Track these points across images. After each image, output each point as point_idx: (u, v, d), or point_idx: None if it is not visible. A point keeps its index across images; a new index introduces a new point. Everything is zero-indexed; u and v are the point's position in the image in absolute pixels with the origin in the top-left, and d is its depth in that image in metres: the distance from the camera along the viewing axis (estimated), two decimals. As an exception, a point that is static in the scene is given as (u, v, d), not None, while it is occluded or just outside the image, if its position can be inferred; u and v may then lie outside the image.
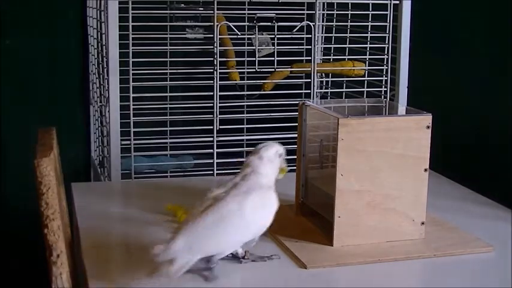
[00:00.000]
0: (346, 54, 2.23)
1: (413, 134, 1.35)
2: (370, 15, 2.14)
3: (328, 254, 1.31)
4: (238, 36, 2.07)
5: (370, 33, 2.15)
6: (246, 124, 2.26)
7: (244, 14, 2.25)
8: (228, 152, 2.08)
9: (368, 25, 2.14)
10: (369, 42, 2.15)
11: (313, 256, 1.29)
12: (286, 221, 1.41)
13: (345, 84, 2.27)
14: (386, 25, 2.02)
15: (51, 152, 1.20)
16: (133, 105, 1.89)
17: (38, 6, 2.44)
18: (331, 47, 2.39)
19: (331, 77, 2.40)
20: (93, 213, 1.54)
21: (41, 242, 1.16)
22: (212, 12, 1.91)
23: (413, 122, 1.36)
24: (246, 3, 2.25)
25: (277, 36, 2.03)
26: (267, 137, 2.08)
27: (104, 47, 1.98)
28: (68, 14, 2.48)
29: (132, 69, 1.87)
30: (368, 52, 2.15)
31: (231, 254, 1.24)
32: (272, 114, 2.10)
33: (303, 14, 2.41)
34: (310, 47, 2.09)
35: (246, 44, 2.37)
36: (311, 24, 1.99)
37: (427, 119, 1.36)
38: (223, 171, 1.99)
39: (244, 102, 2.19)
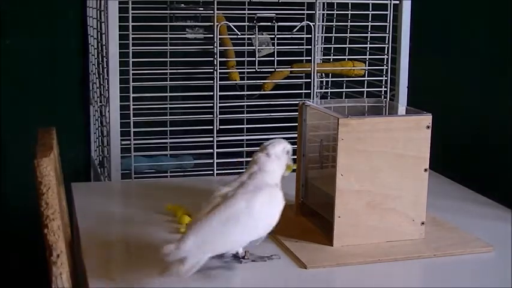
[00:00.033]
0: (346, 54, 2.23)
1: (413, 134, 1.35)
2: (370, 15, 2.14)
3: (328, 254, 1.31)
4: (238, 36, 2.07)
5: (370, 33, 2.15)
6: (246, 124, 2.26)
7: (244, 14, 2.25)
8: (228, 152, 2.08)
9: (368, 25, 2.14)
10: (368, 42, 2.15)
11: (313, 256, 1.29)
12: (286, 221, 1.41)
13: (345, 84, 2.27)
14: (386, 25, 2.02)
15: (51, 152, 1.20)
16: (133, 105, 1.88)
17: (38, 6, 2.44)
18: (331, 47, 2.39)
19: (331, 77, 2.40)
20: (93, 213, 1.54)
21: (41, 242, 1.16)
22: (212, 12, 1.91)
23: (413, 122, 1.36)
24: (246, 3, 2.25)
25: (277, 36, 2.03)
26: (267, 137, 2.07)
27: (104, 47, 1.98)
28: (68, 14, 2.48)
29: (132, 69, 1.87)
30: (368, 52, 2.15)
31: (231, 254, 1.24)
32: (272, 114, 2.10)
33: (303, 14, 2.41)
34: (310, 47, 2.09)
35: (246, 44, 2.37)
36: (311, 24, 1.99)
37: (427, 119, 1.36)
38: (223, 171, 1.99)
39: (244, 102, 2.19)
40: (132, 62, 1.86)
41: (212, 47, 1.93)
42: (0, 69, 2.40)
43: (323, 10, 2.38)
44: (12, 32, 2.42)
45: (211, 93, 1.93)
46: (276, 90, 2.17)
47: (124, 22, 1.86)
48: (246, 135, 2.22)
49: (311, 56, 2.02)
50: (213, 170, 1.95)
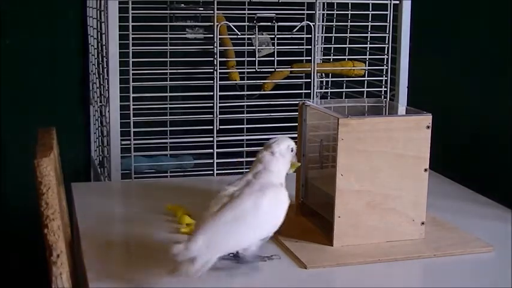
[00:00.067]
0: (346, 54, 2.23)
1: (413, 134, 1.35)
2: (370, 15, 2.14)
3: (328, 254, 1.31)
4: (238, 36, 2.07)
5: (370, 33, 2.15)
6: (246, 124, 2.26)
7: (244, 14, 2.25)
8: (228, 152, 2.08)
9: (368, 25, 2.14)
10: (368, 42, 2.15)
11: (313, 256, 1.29)
12: (286, 221, 1.41)
13: (345, 84, 2.27)
14: (386, 25, 2.02)
15: (51, 152, 1.20)
16: (133, 105, 1.88)
17: (38, 6, 2.44)
18: (331, 47, 2.39)
19: (331, 77, 2.40)
20: (93, 213, 1.54)
21: (41, 242, 1.16)
22: (212, 12, 1.91)
23: (413, 122, 1.36)
24: (246, 3, 2.25)
25: (277, 36, 2.03)
26: (267, 137, 2.06)
27: (104, 47, 1.98)
28: (68, 14, 2.48)
29: (132, 69, 1.87)
30: (368, 52, 2.15)
31: (231, 254, 1.24)
32: (272, 114, 2.10)
33: (303, 14, 2.41)
34: (310, 47, 2.09)
35: (246, 44, 2.37)
36: (311, 24, 1.99)
37: (427, 119, 1.36)
38: (223, 171, 2.00)
39: (244, 102, 2.19)
40: (132, 62, 1.86)
41: (212, 47, 1.93)
42: (0, 69, 2.40)
43: (323, 10, 2.38)
44: (12, 32, 2.42)
45: (211, 93, 1.93)
46: (276, 90, 2.17)
47: (124, 22, 1.86)
48: (246, 135, 2.22)
49: (311, 56, 2.02)
50: (213, 170, 1.95)
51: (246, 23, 2.18)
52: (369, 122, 1.33)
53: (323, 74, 2.42)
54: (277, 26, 2.02)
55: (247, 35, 2.23)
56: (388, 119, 1.36)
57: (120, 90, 1.87)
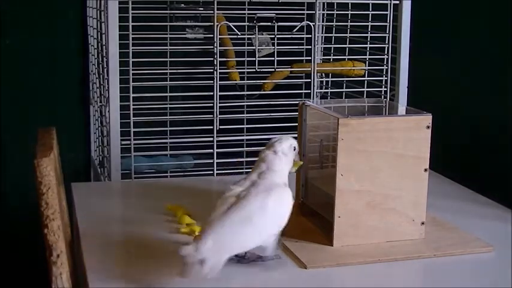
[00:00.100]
0: (346, 54, 2.23)
1: (413, 134, 1.35)
2: (370, 15, 2.14)
3: (328, 254, 1.31)
4: (238, 36, 2.07)
5: (370, 33, 2.15)
6: (246, 124, 2.26)
7: (244, 14, 2.25)
8: (228, 152, 2.08)
9: (368, 25, 2.14)
10: (368, 42, 2.15)
11: (313, 256, 1.29)
12: (286, 221, 1.41)
13: (345, 84, 2.27)
14: (386, 25, 2.02)
15: (51, 152, 1.20)
16: (133, 105, 1.88)
17: (38, 6, 2.44)
18: (331, 47, 2.39)
19: (331, 77, 2.40)
20: (93, 213, 1.54)
21: (41, 242, 1.16)
22: (212, 12, 1.91)
23: (413, 122, 1.36)
24: (246, 3, 2.25)
25: (277, 36, 2.03)
26: (267, 137, 2.07)
27: (104, 47, 1.98)
28: (68, 14, 2.48)
29: (132, 69, 1.87)
30: (368, 52, 2.15)
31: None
32: (272, 114, 2.10)
33: (303, 14, 2.41)
34: (310, 47, 2.09)
35: (246, 44, 2.37)
36: (311, 24, 1.99)
37: (427, 119, 1.36)
38: (223, 171, 2.00)
39: (244, 102, 2.19)
40: (132, 62, 1.86)
41: (212, 47, 1.93)
42: (0, 69, 2.40)
43: (323, 10, 2.38)
44: (12, 32, 2.42)
45: (211, 93, 1.93)
46: (276, 90, 2.17)
47: (124, 22, 1.86)
48: (246, 135, 2.22)
49: (311, 56, 2.02)
50: (213, 170, 1.95)
51: (246, 23, 2.18)
52: (369, 122, 1.33)
53: (323, 74, 2.42)
54: (277, 26, 2.02)
55: (247, 35, 2.23)
56: (388, 119, 1.36)
57: (120, 90, 1.87)
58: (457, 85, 2.11)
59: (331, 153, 1.37)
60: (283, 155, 1.28)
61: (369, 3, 2.14)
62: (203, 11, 2.27)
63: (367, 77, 2.15)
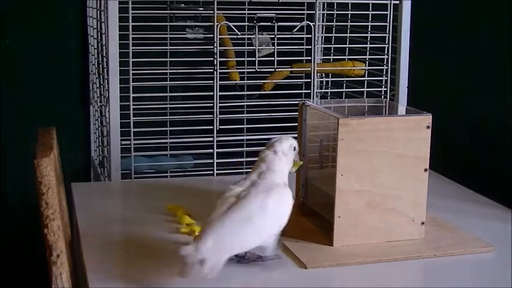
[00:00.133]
0: (346, 54, 2.23)
1: (413, 134, 1.35)
2: (370, 15, 2.14)
3: (328, 254, 1.31)
4: (238, 36, 2.07)
5: (370, 33, 2.15)
6: (246, 124, 2.27)
7: (244, 14, 2.25)
8: (228, 152, 2.08)
9: (368, 25, 2.14)
10: (368, 42, 2.15)
11: (313, 256, 1.29)
12: (286, 221, 1.41)
13: (345, 84, 2.27)
14: (386, 25, 2.02)
15: (51, 152, 1.20)
16: (133, 105, 1.88)
17: (38, 6, 2.44)
18: (331, 47, 2.39)
19: (331, 77, 2.40)
20: (93, 213, 1.54)
21: (41, 242, 1.16)
22: (212, 12, 1.91)
23: (413, 122, 1.36)
24: (246, 3, 2.25)
25: (277, 36, 2.03)
26: (267, 137, 2.07)
27: (104, 47, 1.98)
28: (68, 14, 2.48)
29: (132, 69, 1.87)
30: (368, 52, 2.15)
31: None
32: (272, 114, 2.10)
33: (303, 14, 2.41)
34: (310, 47, 2.09)
35: (246, 44, 2.37)
36: (311, 24, 1.99)
37: (427, 119, 1.36)
38: (223, 171, 2.00)
39: (244, 102, 2.19)
40: (132, 62, 1.86)
41: (212, 47, 1.93)
42: (0, 69, 2.40)
43: (323, 10, 2.38)
44: (12, 32, 2.42)
45: (211, 93, 1.93)
46: (276, 90, 2.17)
47: (124, 22, 1.86)
48: (246, 135, 2.23)
49: (311, 56, 2.02)
50: (213, 170, 1.95)
51: (246, 23, 2.18)
52: (369, 122, 1.33)
53: (323, 74, 2.42)
54: (277, 26, 2.02)
55: (247, 35, 2.23)
56: (388, 119, 1.36)
57: (120, 90, 1.87)
58: (457, 85, 2.11)
59: (331, 153, 1.37)
60: (283, 155, 1.28)
61: (369, 3, 2.14)
62: (203, 11, 2.27)
63: (367, 77, 2.15)
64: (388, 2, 2.01)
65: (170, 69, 2.21)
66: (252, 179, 1.25)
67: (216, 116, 1.94)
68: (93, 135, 2.46)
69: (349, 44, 2.24)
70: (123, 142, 1.90)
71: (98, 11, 2.15)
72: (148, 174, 2.33)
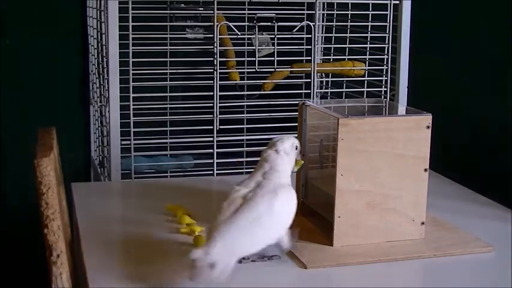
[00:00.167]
0: (346, 54, 2.23)
1: (413, 134, 1.35)
2: (370, 15, 2.14)
3: (328, 254, 1.31)
4: (238, 36, 2.07)
5: (370, 33, 2.15)
6: (246, 124, 2.27)
7: (244, 14, 2.25)
8: (228, 152, 2.08)
9: (368, 25, 2.14)
10: (368, 42, 2.15)
11: (313, 256, 1.29)
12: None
13: (345, 84, 2.27)
14: (386, 25, 2.02)
15: (51, 152, 1.20)
16: (133, 105, 1.88)
17: (38, 6, 2.44)
18: (331, 47, 2.39)
19: (331, 77, 2.40)
20: (93, 213, 1.54)
21: (41, 242, 1.16)
22: (212, 12, 1.91)
23: (413, 122, 1.36)
24: (246, 3, 2.25)
25: (277, 36, 2.03)
26: (267, 137, 2.07)
27: (104, 47, 1.98)
28: (68, 14, 2.48)
29: (132, 69, 1.87)
30: (368, 52, 2.15)
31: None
32: (272, 114, 2.10)
33: (303, 14, 2.41)
34: (310, 47, 2.09)
35: (246, 44, 2.37)
36: (311, 24, 1.99)
37: (427, 119, 1.36)
38: (223, 171, 1.99)
39: (244, 102, 2.19)
40: (132, 62, 1.86)
41: (212, 47, 1.93)
42: (0, 69, 2.40)
43: (323, 10, 2.38)
44: (12, 32, 2.42)
45: (211, 93, 1.93)
46: (276, 90, 2.17)
47: (124, 22, 1.86)
48: (246, 135, 2.23)
49: (311, 56, 2.02)
50: (213, 170, 1.95)
51: (246, 23, 2.18)
52: (369, 122, 1.33)
53: (323, 74, 2.42)
54: (277, 26, 2.02)
55: (247, 35, 2.23)
56: (388, 119, 1.36)
57: (120, 90, 1.87)
58: (457, 85, 2.11)
59: (331, 153, 1.37)
60: (285, 154, 1.28)
61: (369, 3, 2.14)
62: (203, 11, 2.27)
63: (367, 77, 2.15)
64: (388, 2, 2.01)
65: (170, 69, 2.21)
66: (256, 180, 1.25)
67: (216, 116, 1.94)
68: (93, 135, 2.46)
69: (349, 44, 2.24)
70: (123, 142, 1.90)
71: (98, 11, 2.15)
72: (148, 174, 2.33)
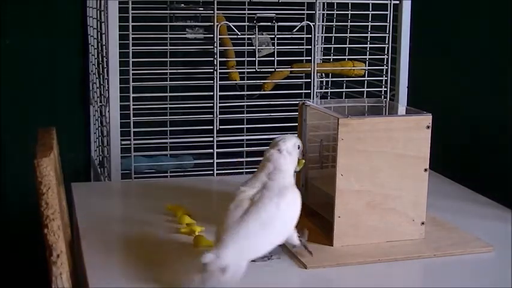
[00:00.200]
0: (346, 54, 2.23)
1: (413, 134, 1.35)
2: (370, 15, 2.14)
3: (328, 254, 1.31)
4: (238, 36, 2.07)
5: (370, 33, 2.15)
6: (246, 124, 2.27)
7: (244, 14, 2.25)
8: (228, 152, 2.08)
9: (368, 25, 2.14)
10: (368, 42, 2.15)
11: (313, 256, 1.29)
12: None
13: (345, 84, 2.27)
14: (386, 25, 2.02)
15: (51, 152, 1.20)
16: (133, 105, 1.89)
17: (38, 6, 2.44)
18: (331, 47, 2.39)
19: (331, 77, 2.40)
20: (93, 213, 1.54)
21: (41, 242, 1.16)
22: (212, 12, 1.91)
23: (413, 122, 1.36)
24: (246, 3, 2.25)
25: (277, 36, 2.03)
26: (267, 136, 2.08)
27: (104, 47, 1.98)
28: (68, 14, 2.48)
29: (132, 69, 1.87)
30: (368, 52, 2.15)
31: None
32: (272, 114, 2.10)
33: (303, 14, 2.41)
34: (310, 47, 2.09)
35: (246, 44, 2.37)
36: (311, 24, 1.99)
37: (427, 119, 1.36)
38: (223, 171, 1.99)
39: (244, 102, 2.19)
40: (132, 62, 1.86)
41: (212, 47, 1.93)
42: (0, 69, 2.40)
43: (323, 10, 2.38)
44: (12, 32, 2.42)
45: (211, 93, 1.93)
46: (276, 90, 2.17)
47: (124, 22, 1.86)
48: (246, 135, 2.23)
49: (311, 56, 2.02)
50: (213, 170, 1.95)
51: (246, 23, 2.18)
52: (369, 122, 1.33)
53: (323, 74, 2.42)
54: (277, 26, 2.02)
55: (247, 35, 2.23)
56: (388, 119, 1.36)
57: (120, 90, 1.87)
58: (457, 85, 2.11)
59: (331, 153, 1.37)
60: (288, 154, 1.28)
61: (369, 3, 2.14)
62: (203, 11, 2.28)
63: (367, 77, 2.15)
64: (388, 2, 2.01)
65: (170, 69, 2.21)
66: (261, 180, 1.25)
67: (216, 116, 1.94)
68: (93, 135, 2.46)
69: (349, 44, 2.24)
70: (123, 142, 1.90)
71: (98, 11, 2.15)
72: (148, 174, 2.33)
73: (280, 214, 1.21)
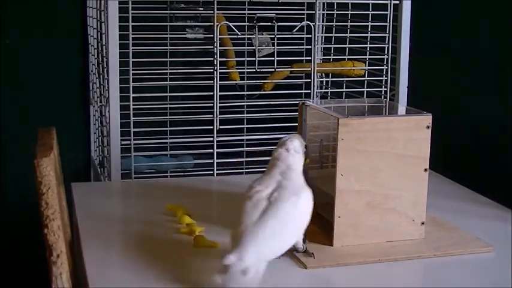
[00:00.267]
0: (346, 54, 2.23)
1: (413, 134, 1.35)
2: (370, 15, 2.14)
3: (328, 254, 1.31)
4: (238, 36, 2.07)
5: (370, 33, 2.15)
6: (246, 124, 2.27)
7: (244, 14, 2.25)
8: (228, 152, 2.08)
9: (368, 25, 2.14)
10: (368, 42, 2.15)
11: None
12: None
13: (345, 84, 2.27)
14: (386, 25, 2.02)
15: (51, 152, 1.20)
16: (133, 105, 1.89)
17: (38, 6, 2.44)
18: (331, 47, 2.39)
19: (331, 77, 2.40)
20: (93, 213, 1.54)
21: (41, 242, 1.16)
22: (212, 12, 1.91)
23: (413, 122, 1.36)
24: (246, 3, 2.25)
25: (277, 36, 2.03)
26: (267, 137, 2.08)
27: (104, 47, 1.98)
28: (68, 14, 2.48)
29: (132, 69, 1.87)
30: (368, 52, 2.15)
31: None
32: (272, 114, 2.10)
33: (303, 14, 2.41)
34: (310, 47, 2.09)
35: (246, 44, 2.37)
36: (311, 24, 1.99)
37: (427, 119, 1.36)
38: (223, 171, 1.99)
39: (244, 102, 2.19)
40: (132, 62, 1.86)
41: (212, 47, 1.93)
42: (0, 69, 2.40)
43: (323, 10, 2.38)
44: (12, 32, 2.42)
45: (211, 93, 1.93)
46: (276, 90, 2.17)
47: (124, 22, 1.86)
48: (246, 135, 2.23)
49: (311, 56, 2.02)
50: (213, 170, 1.95)
51: (246, 23, 2.18)
52: (369, 122, 1.33)
53: (323, 74, 2.42)
54: (277, 26, 2.02)
55: (247, 35, 2.23)
56: (388, 119, 1.36)
57: (120, 90, 1.87)
58: (457, 85, 2.11)
59: (331, 153, 1.37)
60: (296, 153, 1.29)
61: (369, 3, 2.14)
62: (203, 11, 2.28)
63: (367, 77, 2.15)
64: (388, 2, 2.01)
65: (170, 69, 2.21)
66: (276, 179, 1.25)
67: (216, 116, 1.94)
68: (93, 135, 2.46)
69: (349, 44, 2.24)
70: (123, 142, 1.89)
71: (98, 11, 2.15)
72: (148, 174, 2.33)
73: (297, 214, 1.21)
